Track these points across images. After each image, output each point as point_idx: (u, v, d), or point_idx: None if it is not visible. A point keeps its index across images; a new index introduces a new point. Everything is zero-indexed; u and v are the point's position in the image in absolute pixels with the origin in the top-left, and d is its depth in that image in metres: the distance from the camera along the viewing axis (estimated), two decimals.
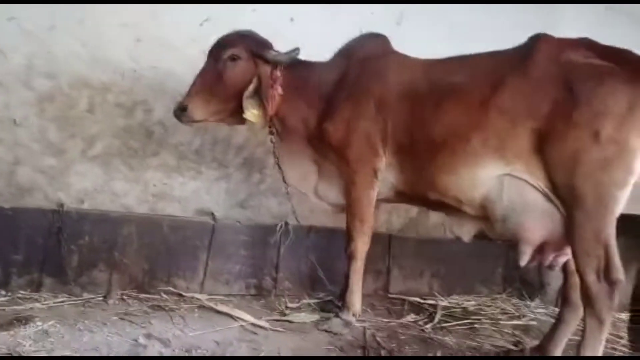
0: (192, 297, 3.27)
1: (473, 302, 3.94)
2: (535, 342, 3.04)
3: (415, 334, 3.15)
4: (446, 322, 3.43)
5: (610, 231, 2.43)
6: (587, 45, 2.58)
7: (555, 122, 2.47)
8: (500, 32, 4.03)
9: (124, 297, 3.15)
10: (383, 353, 2.78)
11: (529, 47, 2.68)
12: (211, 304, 3.17)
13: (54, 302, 2.93)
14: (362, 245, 3.10)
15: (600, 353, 2.48)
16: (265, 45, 3.19)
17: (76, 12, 3.40)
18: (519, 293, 4.19)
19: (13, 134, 3.34)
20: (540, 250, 2.67)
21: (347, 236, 3.14)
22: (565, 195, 2.48)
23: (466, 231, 3.01)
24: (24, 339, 2.44)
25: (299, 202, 3.58)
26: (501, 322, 3.56)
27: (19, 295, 2.97)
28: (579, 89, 2.44)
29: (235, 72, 3.12)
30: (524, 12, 4.80)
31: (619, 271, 2.41)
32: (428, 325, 3.31)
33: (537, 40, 2.67)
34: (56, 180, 3.46)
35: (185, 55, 3.67)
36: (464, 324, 3.42)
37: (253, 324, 2.97)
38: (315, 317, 3.20)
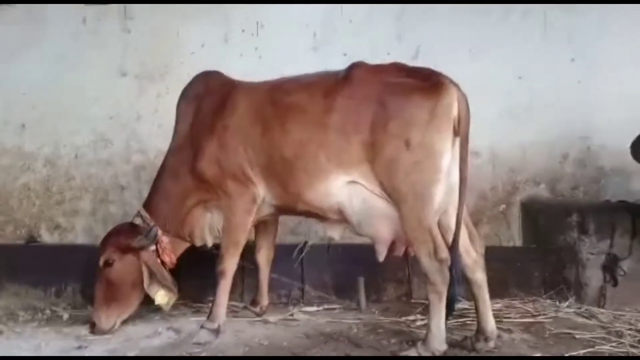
0: (231, 304, 4.09)
1: (499, 305, 3.94)
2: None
3: (397, 328, 3.45)
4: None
5: (432, 220, 2.79)
6: (397, 68, 3.02)
7: (376, 134, 2.88)
8: None
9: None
10: (342, 340, 3.25)
11: (348, 72, 3.08)
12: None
13: None
14: (232, 266, 3.37)
15: (443, 320, 2.80)
16: (132, 232, 3.41)
17: (152, 104, 4.81)
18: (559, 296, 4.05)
19: (121, 196, 4.81)
20: (392, 245, 3.04)
21: (220, 256, 3.38)
22: (392, 195, 2.87)
23: (336, 232, 3.36)
24: None
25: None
26: (504, 319, 3.56)
27: None
28: (391, 104, 2.86)
29: (117, 274, 3.36)
30: None
31: (444, 251, 2.75)
32: (418, 322, 3.54)
33: (355, 67, 3.09)
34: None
35: None
36: (458, 321, 3.52)
37: (264, 321, 3.70)
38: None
